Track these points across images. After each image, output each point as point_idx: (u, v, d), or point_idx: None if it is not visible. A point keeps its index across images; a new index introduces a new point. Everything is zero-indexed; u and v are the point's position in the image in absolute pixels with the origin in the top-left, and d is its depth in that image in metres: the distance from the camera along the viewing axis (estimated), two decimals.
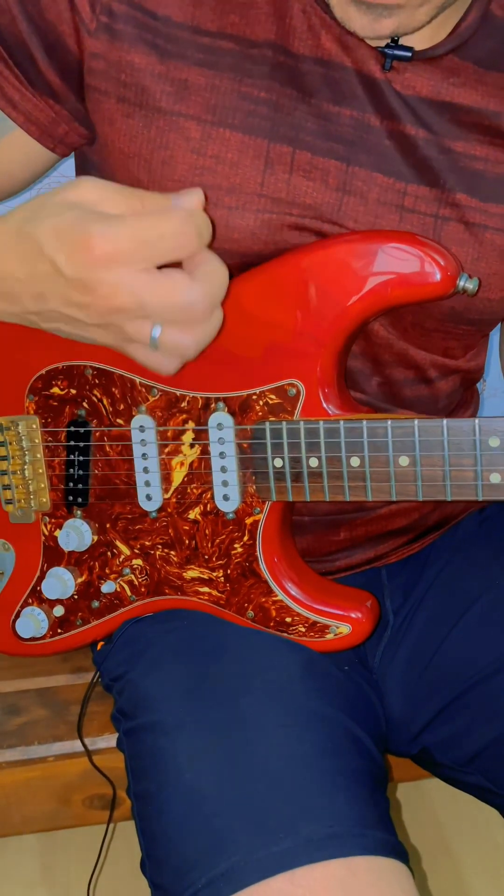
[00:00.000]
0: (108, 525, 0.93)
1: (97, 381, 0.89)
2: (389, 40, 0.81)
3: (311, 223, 0.84)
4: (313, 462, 0.83)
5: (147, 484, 0.90)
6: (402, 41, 0.82)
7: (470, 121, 0.85)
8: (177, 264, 0.70)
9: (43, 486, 0.95)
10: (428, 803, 1.58)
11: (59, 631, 0.97)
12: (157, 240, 0.67)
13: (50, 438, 0.93)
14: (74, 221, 0.67)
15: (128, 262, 0.66)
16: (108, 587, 0.94)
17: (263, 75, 0.82)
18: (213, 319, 0.71)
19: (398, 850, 0.79)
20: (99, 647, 1.01)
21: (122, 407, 0.89)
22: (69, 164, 0.97)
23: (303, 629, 0.89)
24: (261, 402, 0.85)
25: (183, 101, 0.82)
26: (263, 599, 0.89)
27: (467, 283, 0.81)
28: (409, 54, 0.81)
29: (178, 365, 0.73)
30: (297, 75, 0.82)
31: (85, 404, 0.91)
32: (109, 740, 1.07)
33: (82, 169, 0.94)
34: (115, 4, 0.81)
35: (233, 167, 0.82)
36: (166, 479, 0.89)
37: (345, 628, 0.88)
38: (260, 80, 0.82)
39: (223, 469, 0.87)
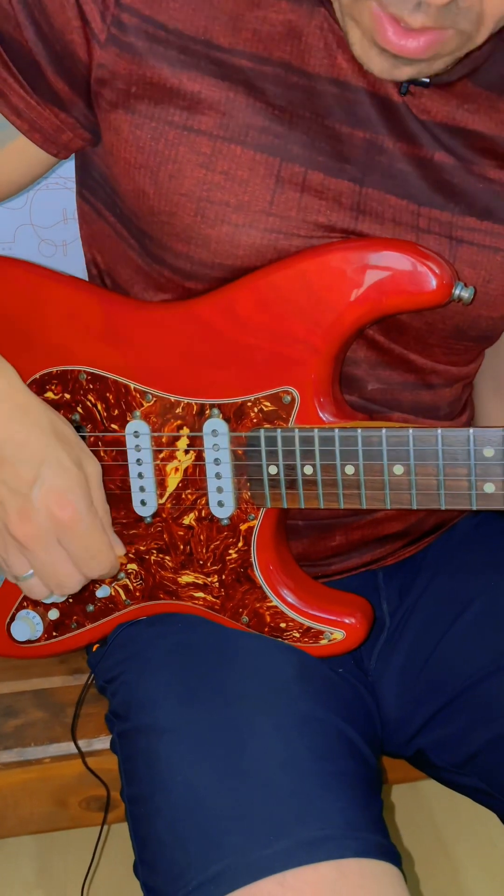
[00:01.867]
0: None
1: (91, 386, 0.91)
2: None
3: (321, 242, 0.85)
4: (308, 469, 0.85)
5: (142, 489, 0.91)
6: None
7: (483, 146, 0.87)
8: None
9: None
10: (424, 805, 1.60)
11: (54, 634, 0.99)
12: (97, 551, 0.87)
13: None
14: (78, 481, 0.86)
15: (70, 540, 0.86)
16: (102, 591, 0.96)
17: (276, 94, 0.82)
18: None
19: (390, 852, 0.81)
20: (94, 649, 1.03)
21: (116, 412, 0.91)
22: (68, 166, 0.98)
23: (297, 634, 0.91)
24: (256, 409, 0.86)
25: (194, 116, 0.82)
26: (258, 605, 0.91)
27: (462, 292, 0.82)
28: (428, 81, 0.82)
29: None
30: (311, 95, 0.83)
31: (79, 409, 0.92)
32: (105, 742, 1.09)
33: (83, 170, 0.95)
34: (126, 16, 0.81)
35: (242, 184, 0.83)
36: (161, 484, 0.91)
37: (339, 634, 0.90)
38: (273, 99, 0.82)
39: (218, 475, 0.88)
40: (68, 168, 1.00)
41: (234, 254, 0.84)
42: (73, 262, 1.25)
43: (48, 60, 0.84)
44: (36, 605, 0.98)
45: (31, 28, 0.83)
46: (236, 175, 0.83)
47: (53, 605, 0.98)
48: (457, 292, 0.82)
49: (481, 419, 1.10)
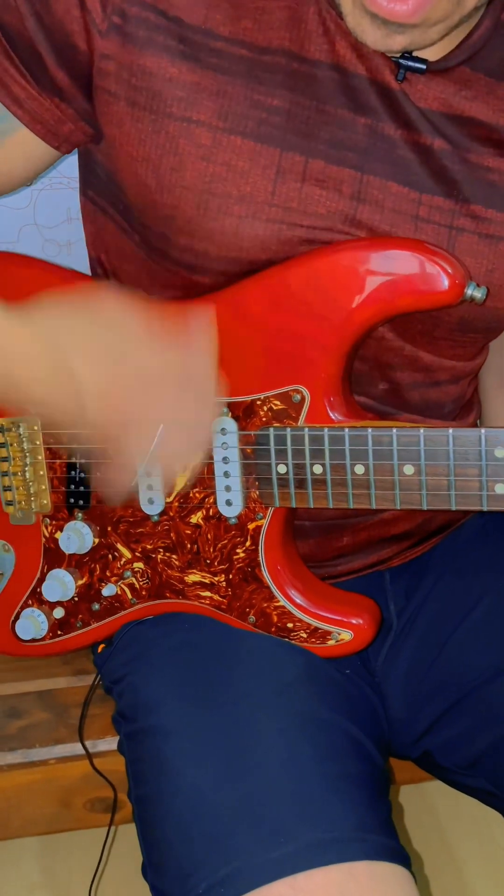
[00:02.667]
0: (109, 528, 0.95)
1: None
2: (404, 51, 0.83)
3: (322, 234, 0.85)
4: (317, 469, 0.85)
5: (149, 487, 0.91)
6: (415, 52, 0.83)
7: (482, 134, 0.87)
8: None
9: (44, 487, 0.97)
10: (430, 806, 1.60)
11: (59, 633, 0.99)
12: (176, 453, 0.83)
13: (51, 440, 0.95)
14: (116, 378, 0.78)
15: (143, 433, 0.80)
16: (108, 590, 0.96)
17: (276, 83, 0.83)
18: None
19: (400, 854, 0.81)
20: (100, 649, 1.03)
21: None
22: (69, 162, 0.98)
23: (304, 635, 0.91)
24: (265, 408, 0.86)
25: (194, 107, 0.83)
26: (265, 605, 0.91)
27: (475, 292, 0.82)
28: (424, 67, 0.83)
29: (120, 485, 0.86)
30: (311, 81, 0.83)
31: None
32: (111, 743, 1.09)
33: (86, 167, 0.95)
34: (127, 6, 0.81)
35: (243, 175, 0.83)
36: (168, 482, 0.91)
37: (346, 635, 0.90)
38: (273, 88, 0.83)
39: (226, 474, 0.88)
40: (72, 168, 1.01)
41: (239, 245, 0.85)
42: (78, 262, 1.24)
43: (49, 51, 0.84)
44: (41, 603, 0.99)
45: (33, 18, 0.83)
46: (237, 166, 0.83)
47: (59, 602, 0.98)
48: (469, 292, 0.82)
49: (487, 414, 1.10)
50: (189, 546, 0.92)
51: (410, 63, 0.82)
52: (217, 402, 0.86)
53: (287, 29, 0.83)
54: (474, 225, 0.87)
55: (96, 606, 0.97)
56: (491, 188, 0.87)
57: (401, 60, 0.82)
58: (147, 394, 0.79)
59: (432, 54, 0.84)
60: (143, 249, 0.91)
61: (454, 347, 0.94)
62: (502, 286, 0.89)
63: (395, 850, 0.81)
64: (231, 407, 0.87)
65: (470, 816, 1.56)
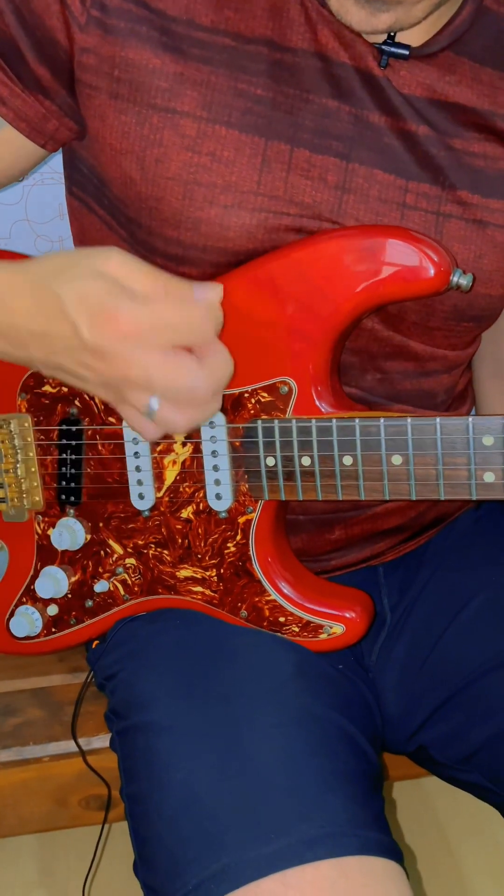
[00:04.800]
0: (100, 524, 0.96)
1: None
2: (386, 36, 0.84)
3: (309, 222, 0.86)
4: (305, 461, 0.86)
5: (139, 483, 0.92)
6: (398, 37, 0.84)
7: (466, 119, 0.87)
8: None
9: (35, 484, 0.97)
10: (427, 802, 1.61)
11: (54, 630, 1.00)
12: (177, 326, 0.74)
13: (42, 437, 0.96)
14: (103, 292, 0.73)
15: (146, 342, 0.74)
16: (101, 586, 0.97)
17: (260, 72, 0.84)
18: (211, 406, 0.79)
19: (392, 849, 0.81)
20: (94, 645, 1.04)
21: None
22: (61, 157, 0.99)
23: (296, 629, 0.91)
24: (253, 400, 0.87)
25: (178, 98, 0.83)
26: (257, 599, 0.92)
27: (461, 279, 0.83)
28: (407, 52, 0.83)
29: (162, 434, 0.80)
30: (295, 70, 0.84)
31: (77, 402, 0.93)
32: (105, 740, 1.09)
33: (70, 165, 0.96)
34: None
35: (228, 165, 0.84)
36: (158, 477, 0.92)
37: (338, 628, 0.91)
38: (256, 77, 0.84)
39: (215, 468, 0.89)
40: (59, 162, 1.01)
41: (225, 236, 0.85)
42: None
43: (29, 47, 0.85)
44: (35, 600, 0.99)
45: (12, 15, 0.84)
46: (222, 156, 0.84)
47: (52, 600, 0.99)
48: (455, 279, 0.83)
49: (482, 404, 1.11)
50: (180, 541, 0.93)
51: (393, 49, 0.83)
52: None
53: (269, 18, 0.83)
54: (461, 211, 0.88)
55: (89, 603, 0.98)
56: (477, 173, 0.88)
57: (383, 47, 0.83)
58: (146, 321, 0.74)
59: (415, 40, 0.85)
60: (128, 244, 0.91)
61: (448, 337, 0.95)
62: (492, 272, 0.90)
63: (387, 845, 0.81)
64: None
65: (465, 812, 1.56)
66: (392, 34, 0.83)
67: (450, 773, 1.02)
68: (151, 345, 0.74)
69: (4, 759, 1.11)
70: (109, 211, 0.92)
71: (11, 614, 1.01)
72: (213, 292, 0.78)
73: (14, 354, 0.81)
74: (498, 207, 0.89)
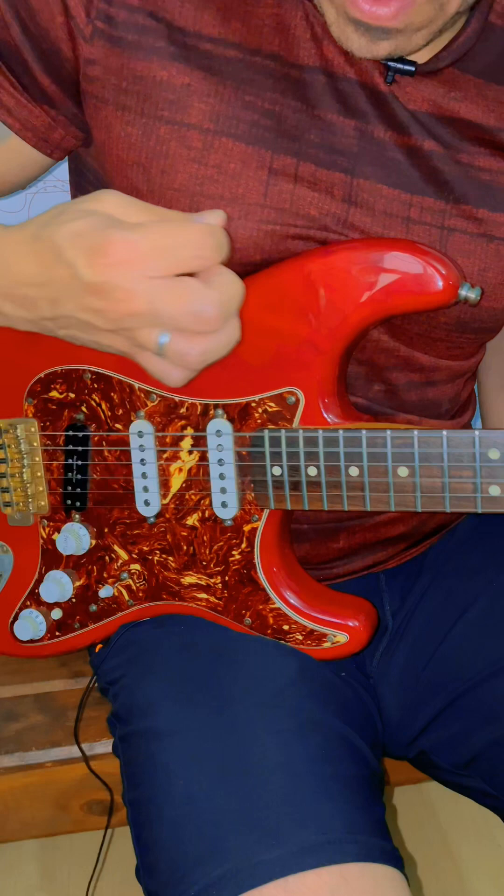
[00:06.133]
0: (106, 529, 0.98)
1: (96, 386, 0.94)
2: None
3: (316, 234, 0.88)
4: (312, 471, 0.88)
5: (145, 489, 0.95)
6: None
7: (472, 134, 0.89)
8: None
9: (41, 489, 1.00)
10: (429, 807, 1.63)
11: (57, 634, 1.03)
12: (176, 248, 0.72)
13: (48, 442, 0.98)
14: (94, 226, 0.72)
15: (145, 268, 0.72)
16: (105, 591, 0.99)
17: (266, 86, 0.86)
18: (227, 331, 0.76)
19: (392, 855, 0.83)
20: (97, 649, 1.06)
21: (120, 412, 0.94)
22: (63, 165, 1.01)
23: (300, 637, 0.94)
24: (260, 410, 0.89)
25: (185, 110, 0.85)
26: (261, 607, 0.94)
27: (469, 293, 0.85)
28: (413, 69, 0.85)
29: (186, 376, 0.78)
30: (301, 85, 0.86)
31: (84, 408, 0.96)
32: (108, 745, 1.11)
33: (76, 173, 0.98)
34: (114, 11, 0.84)
35: (235, 178, 0.86)
36: (164, 484, 0.94)
37: (342, 637, 0.93)
38: (263, 91, 0.86)
39: (221, 476, 0.91)
40: (66, 171, 1.04)
41: (232, 246, 0.87)
42: None
43: (35, 58, 0.87)
44: (39, 604, 1.02)
45: (18, 27, 0.86)
46: (228, 168, 0.86)
47: (56, 604, 1.01)
48: (463, 293, 0.85)
49: (488, 415, 1.13)
50: (185, 548, 0.95)
51: (399, 66, 0.85)
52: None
53: (275, 34, 0.86)
54: (466, 225, 0.90)
55: (94, 608, 1.00)
56: (482, 188, 0.90)
57: (390, 63, 0.85)
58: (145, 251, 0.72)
59: (421, 56, 0.87)
60: None
61: (451, 348, 0.97)
62: (497, 286, 0.92)
63: (388, 851, 0.83)
64: (226, 409, 0.90)
65: (467, 817, 1.58)
66: None
67: (451, 778, 1.04)
68: (151, 271, 0.72)
69: (7, 763, 1.13)
70: None
71: (15, 617, 1.03)
72: (213, 216, 0.76)
73: (27, 317, 0.80)
74: (503, 221, 0.91)
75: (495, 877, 1.53)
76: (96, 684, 1.08)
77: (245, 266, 0.88)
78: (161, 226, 0.72)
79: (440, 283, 0.84)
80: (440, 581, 1.08)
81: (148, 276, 0.72)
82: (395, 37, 0.79)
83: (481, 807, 1.05)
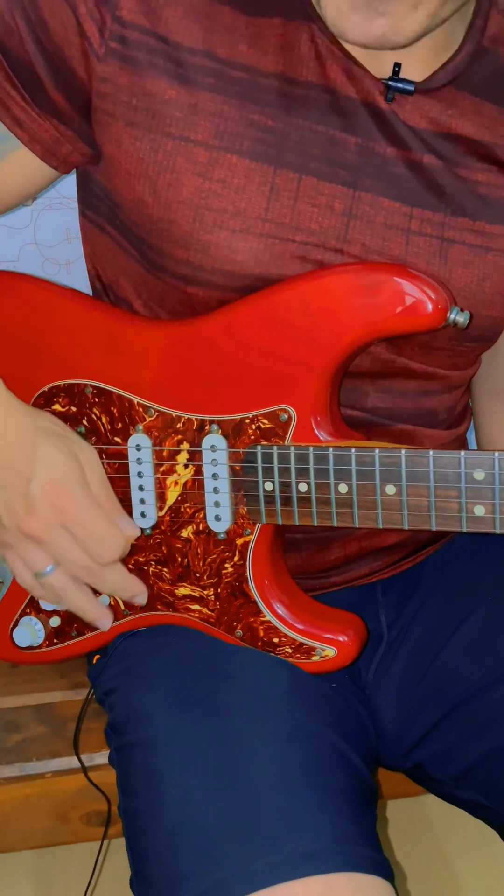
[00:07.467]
0: None
1: (97, 400, 1.00)
2: (392, 73, 0.91)
3: (315, 248, 0.93)
4: (302, 487, 0.92)
5: (142, 501, 0.99)
6: (401, 74, 0.91)
7: (469, 149, 0.95)
8: None
9: None
10: (426, 820, 1.64)
11: (55, 641, 1.07)
12: (97, 536, 0.95)
13: None
14: (69, 470, 0.93)
15: (71, 527, 0.93)
16: (102, 600, 1.03)
17: (271, 104, 0.91)
18: (96, 602, 1.01)
19: (381, 866, 0.86)
20: (94, 660, 1.11)
21: (119, 426, 0.99)
22: (68, 182, 1.06)
23: (289, 650, 0.98)
24: (253, 426, 0.94)
25: (191, 127, 0.91)
26: (252, 619, 0.98)
27: (458, 316, 0.90)
28: (412, 88, 0.91)
29: (44, 598, 1.00)
30: (304, 103, 0.91)
31: (84, 422, 1.01)
32: (106, 756, 1.12)
33: (84, 188, 1.04)
34: (127, 32, 0.90)
35: (238, 192, 0.92)
36: (161, 497, 0.99)
37: (330, 651, 0.97)
38: (267, 109, 0.91)
39: (215, 490, 0.96)
40: (71, 188, 1.09)
41: (233, 259, 0.93)
42: (77, 281, 1.33)
43: (48, 74, 0.93)
44: (38, 611, 1.06)
45: (34, 44, 0.92)
46: (232, 183, 0.91)
47: (55, 612, 1.06)
48: (452, 317, 0.89)
49: (480, 424, 1.17)
50: (180, 560, 1.00)
51: (399, 85, 0.90)
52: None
53: (281, 54, 0.91)
54: (465, 236, 0.95)
55: None
56: (480, 200, 0.95)
57: (390, 83, 0.90)
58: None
59: (418, 76, 0.92)
60: (140, 264, 0.99)
61: (451, 357, 1.02)
62: (494, 295, 0.97)
63: (376, 861, 0.86)
64: (221, 425, 0.95)
65: (464, 831, 1.60)
66: (397, 70, 0.90)
67: (446, 790, 1.07)
68: (72, 532, 0.94)
69: (7, 774, 1.16)
70: (122, 232, 0.99)
71: (15, 624, 1.08)
72: (132, 529, 0.98)
73: None
74: (500, 233, 0.96)
75: (490, 890, 1.54)
76: (94, 696, 1.12)
77: (243, 277, 0.93)
78: (101, 515, 0.95)
79: (430, 307, 0.89)
80: (437, 593, 1.11)
81: (68, 532, 0.94)
82: (394, 10, 0.83)
83: (478, 821, 1.07)
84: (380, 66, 0.92)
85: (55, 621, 1.06)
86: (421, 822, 1.66)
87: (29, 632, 1.07)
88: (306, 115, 0.92)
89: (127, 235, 0.99)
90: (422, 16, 0.85)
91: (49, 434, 0.94)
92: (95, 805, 1.16)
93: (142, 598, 1.02)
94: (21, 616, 1.08)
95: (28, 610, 1.07)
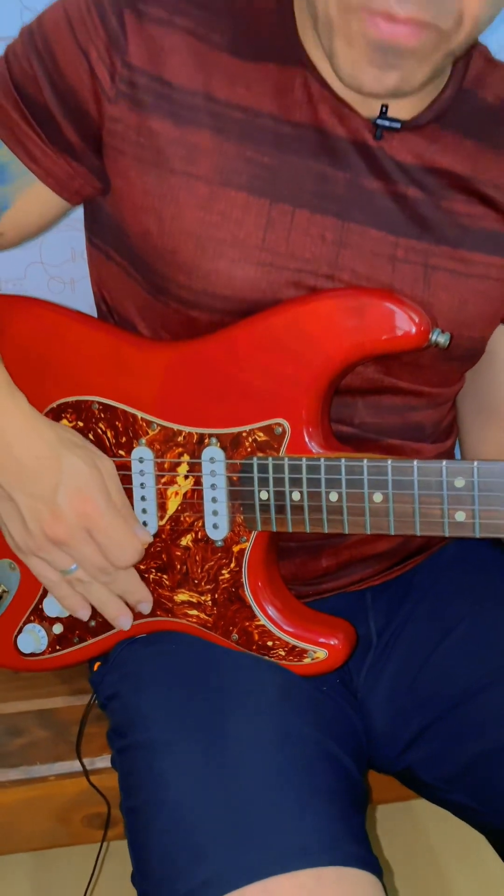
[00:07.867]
0: None
1: (102, 415, 1.06)
2: (379, 112, 0.98)
3: (308, 275, 1.00)
4: (296, 496, 0.99)
5: (144, 511, 1.06)
6: (389, 114, 0.99)
7: (451, 182, 1.02)
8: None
9: None
10: (418, 825, 1.67)
11: (58, 647, 1.13)
12: (116, 540, 1.01)
13: None
14: (93, 479, 1.00)
15: (93, 531, 1.00)
16: None
17: (266, 142, 0.99)
18: (113, 598, 1.07)
19: (369, 862, 0.91)
20: (95, 667, 1.16)
21: (123, 439, 1.05)
22: (77, 208, 1.12)
23: (283, 653, 1.03)
24: (250, 439, 1.00)
25: (193, 164, 0.98)
26: (247, 623, 1.04)
27: (439, 337, 0.97)
28: (399, 125, 0.98)
29: (70, 600, 1.07)
30: (297, 142, 0.99)
31: (91, 436, 1.07)
32: (107, 760, 1.18)
33: (92, 217, 1.11)
34: (136, 77, 0.97)
35: (237, 224, 0.99)
36: (162, 507, 1.05)
37: (321, 653, 1.02)
38: (263, 147, 0.99)
39: (214, 500, 1.02)
40: (77, 210, 1.14)
41: (232, 285, 1.00)
42: (81, 299, 1.39)
43: (62, 114, 1.00)
44: (42, 619, 1.12)
45: (49, 87, 0.99)
46: (231, 215, 0.99)
47: (58, 619, 1.11)
48: (433, 337, 0.96)
49: (466, 439, 1.23)
50: (179, 567, 1.06)
51: (387, 123, 0.98)
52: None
53: (275, 96, 0.99)
54: (447, 263, 1.02)
55: (92, 623, 1.10)
56: (461, 230, 1.03)
57: (378, 121, 0.98)
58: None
59: (405, 114, 1.00)
60: (144, 289, 1.06)
61: (437, 375, 1.09)
62: (475, 316, 1.05)
63: (364, 857, 0.91)
64: (219, 438, 1.01)
65: (459, 837, 1.60)
66: (384, 110, 0.98)
67: (435, 793, 1.11)
68: (94, 536, 1.00)
69: (12, 777, 1.20)
70: (128, 259, 1.06)
71: (20, 631, 1.13)
72: (146, 536, 1.05)
73: None
74: (480, 260, 1.04)
75: (482, 894, 1.57)
76: (96, 701, 1.16)
77: (241, 302, 1.00)
78: (121, 522, 1.02)
79: (413, 329, 0.96)
80: (426, 601, 1.16)
81: (90, 536, 1.00)
82: (405, 64, 0.90)
83: (470, 826, 1.11)
84: (369, 107, 0.99)
85: (58, 628, 1.12)
86: (411, 826, 1.68)
87: (32, 639, 1.12)
88: (299, 152, 0.99)
89: (133, 262, 1.05)
90: (427, 68, 0.92)
91: (73, 446, 1.01)
92: (97, 807, 1.20)
93: (146, 605, 1.07)
94: (25, 623, 1.13)
95: (32, 617, 1.12)
